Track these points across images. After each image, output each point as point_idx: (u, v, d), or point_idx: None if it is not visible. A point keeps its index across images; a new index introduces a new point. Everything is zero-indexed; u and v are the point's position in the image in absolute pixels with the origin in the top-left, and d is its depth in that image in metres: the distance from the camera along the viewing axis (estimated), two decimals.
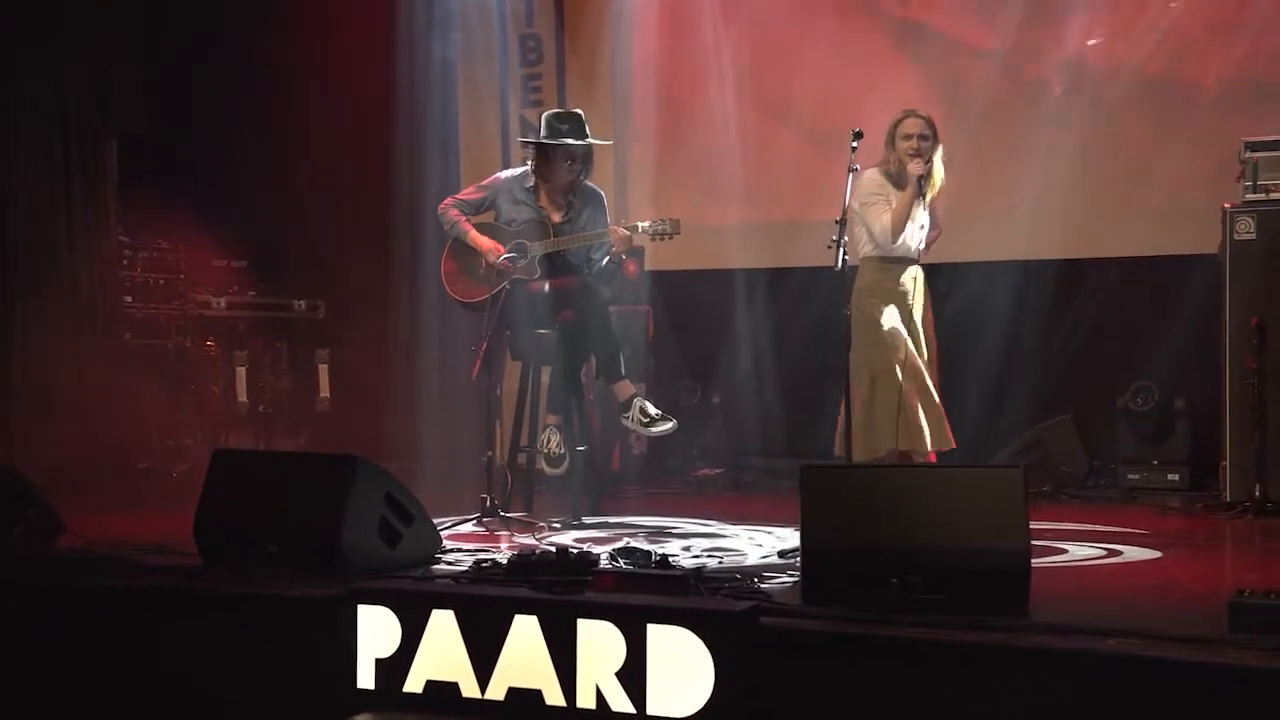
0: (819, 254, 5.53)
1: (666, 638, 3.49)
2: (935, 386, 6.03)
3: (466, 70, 8.61)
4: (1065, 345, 7.26)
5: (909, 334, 6.01)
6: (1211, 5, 7.10)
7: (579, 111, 6.12)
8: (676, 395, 7.88)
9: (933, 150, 6.00)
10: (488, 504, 5.58)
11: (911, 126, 5.98)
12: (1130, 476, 6.92)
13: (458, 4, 8.51)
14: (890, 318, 5.97)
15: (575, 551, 4.28)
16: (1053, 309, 7.29)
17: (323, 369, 8.56)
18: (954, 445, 5.99)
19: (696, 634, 3.47)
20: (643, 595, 3.69)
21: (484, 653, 3.66)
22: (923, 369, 5.98)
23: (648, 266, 7.70)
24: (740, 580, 4.10)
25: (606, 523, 5.80)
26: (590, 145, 6.03)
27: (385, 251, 8.56)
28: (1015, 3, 7.34)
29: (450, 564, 4.54)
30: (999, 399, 7.26)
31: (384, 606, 3.77)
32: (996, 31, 7.41)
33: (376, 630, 3.76)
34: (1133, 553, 4.88)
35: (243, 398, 8.10)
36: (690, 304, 7.94)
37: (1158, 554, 4.83)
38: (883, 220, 5.97)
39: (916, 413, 5.88)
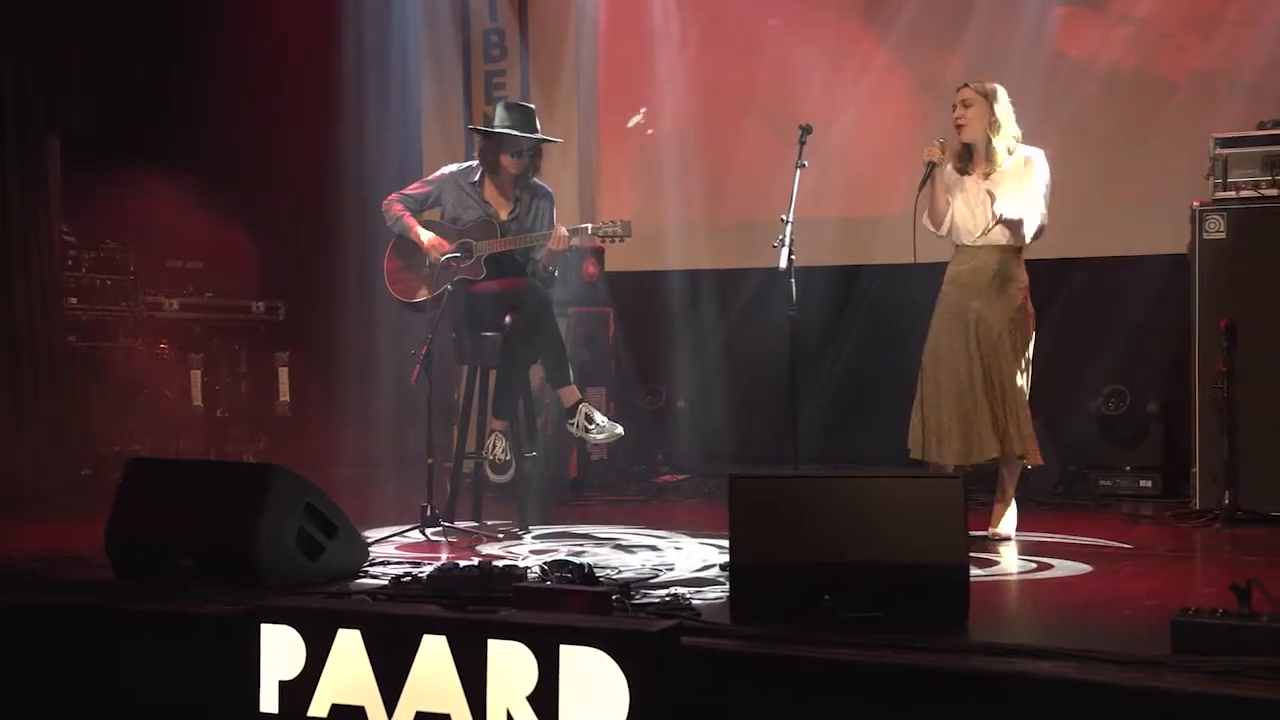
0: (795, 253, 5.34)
1: (580, 660, 3.30)
2: (986, 394, 5.17)
3: (430, 66, 8.50)
4: (1037, 347, 7.03)
5: (959, 331, 5.24)
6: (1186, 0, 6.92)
7: (532, 105, 5.94)
8: (640, 399, 7.70)
9: (981, 119, 5.19)
10: (428, 513, 5.38)
11: (956, 97, 5.29)
12: (1102, 483, 6.74)
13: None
14: (939, 311, 5.33)
15: (500, 566, 4.08)
16: None
17: (283, 372, 8.38)
18: (999, 457, 5.19)
19: (611, 656, 3.26)
20: (557, 614, 3.50)
21: (391, 675, 3.46)
22: (963, 372, 5.19)
23: (609, 268, 7.51)
24: (672, 597, 3.91)
25: (554, 532, 5.62)
26: (538, 142, 5.83)
27: (345, 252, 8.37)
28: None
29: (376, 578, 4.34)
30: None
31: (288, 625, 3.57)
32: (969, 26, 7.22)
33: (280, 651, 3.56)
34: (1065, 566, 4.69)
35: (198, 402, 7.91)
36: (654, 306, 7.76)
37: (1088, 568, 4.64)
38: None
39: (938, 420, 5.20)
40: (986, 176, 5.26)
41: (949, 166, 5.35)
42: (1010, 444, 5.18)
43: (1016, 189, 5.20)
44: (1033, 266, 7.08)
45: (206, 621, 3.74)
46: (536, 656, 3.33)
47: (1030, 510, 6.30)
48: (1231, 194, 5.87)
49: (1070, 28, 7.17)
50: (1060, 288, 7.03)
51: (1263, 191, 5.82)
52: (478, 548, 5.18)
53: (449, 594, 3.81)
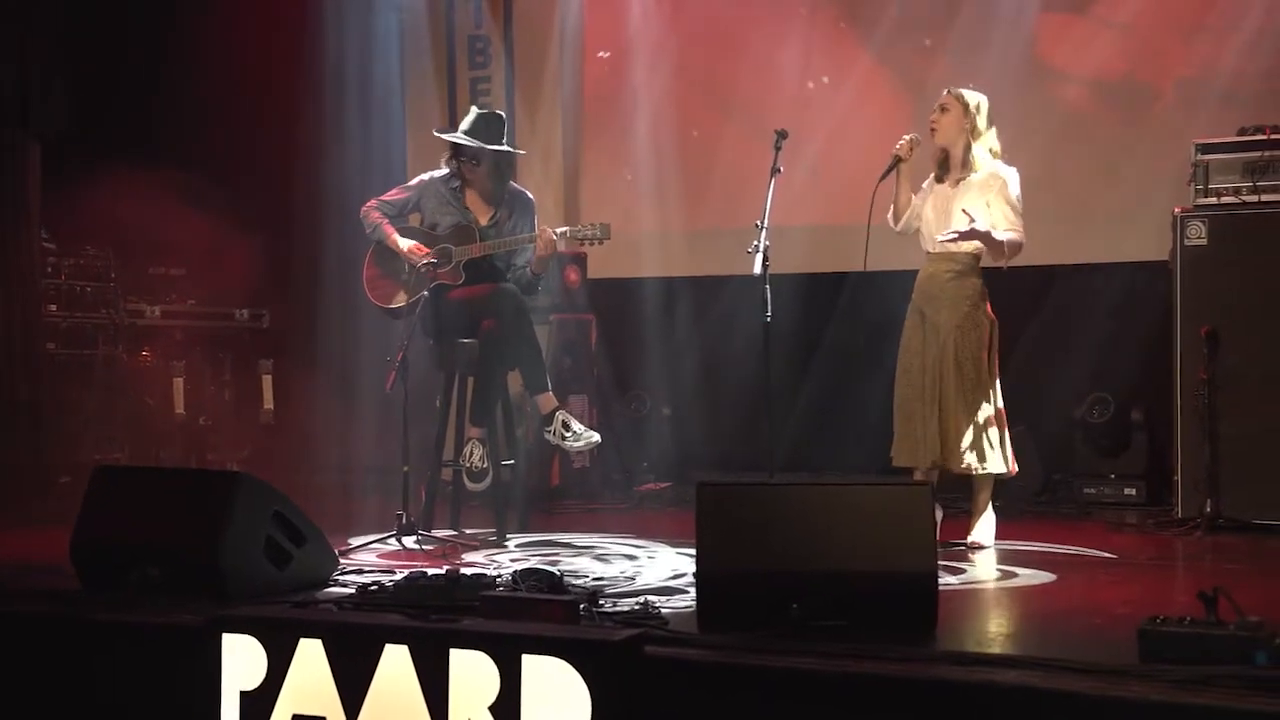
0: (775, 260, 5.36)
1: (542, 669, 3.25)
2: (932, 401, 5.18)
3: (414, 72, 8.48)
4: (1020, 354, 7.01)
5: (917, 337, 5.27)
6: (1170, 6, 6.89)
7: (501, 114, 5.91)
8: (623, 407, 7.66)
9: (955, 125, 5.20)
10: (403, 521, 5.34)
11: (938, 101, 5.30)
12: (1086, 491, 6.71)
13: (404, 5, 8.35)
14: (907, 317, 5.36)
15: (467, 575, 4.04)
16: (1008, 316, 7.04)
17: (266, 380, 8.32)
18: (965, 469, 5.18)
19: (573, 665, 3.22)
20: (520, 623, 3.46)
21: (353, 685, 3.42)
22: (915, 376, 5.22)
23: (591, 274, 7.48)
24: (641, 605, 3.87)
25: (531, 541, 5.58)
26: (494, 153, 5.79)
27: (330, 259, 8.32)
28: (973, 6, 7.14)
29: (345, 587, 4.31)
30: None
31: (249, 635, 3.52)
32: (951, 30, 7.19)
33: (241, 661, 3.51)
34: (1031, 575, 4.65)
35: (180, 410, 7.86)
36: (637, 313, 7.71)
37: (1052, 577, 4.59)
38: None
39: (910, 425, 5.23)
40: (957, 185, 5.25)
41: (932, 174, 5.35)
42: (950, 455, 5.15)
43: (980, 202, 5.18)
44: (1015, 274, 7.06)
45: (167, 631, 3.71)
46: (498, 666, 3.29)
47: (1013, 518, 6.29)
48: (1213, 200, 5.84)
49: (1053, 33, 7.15)
50: (1044, 295, 7.02)
51: (1244, 198, 5.79)
52: (452, 556, 5.13)
53: (415, 603, 3.77)
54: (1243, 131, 5.90)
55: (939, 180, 5.33)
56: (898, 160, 5.27)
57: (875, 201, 5.20)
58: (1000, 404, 5.30)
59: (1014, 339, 7.06)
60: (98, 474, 4.42)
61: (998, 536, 5.34)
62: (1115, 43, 6.99)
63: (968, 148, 5.23)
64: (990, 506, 5.32)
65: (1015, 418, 6.93)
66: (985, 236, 5.13)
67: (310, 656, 3.46)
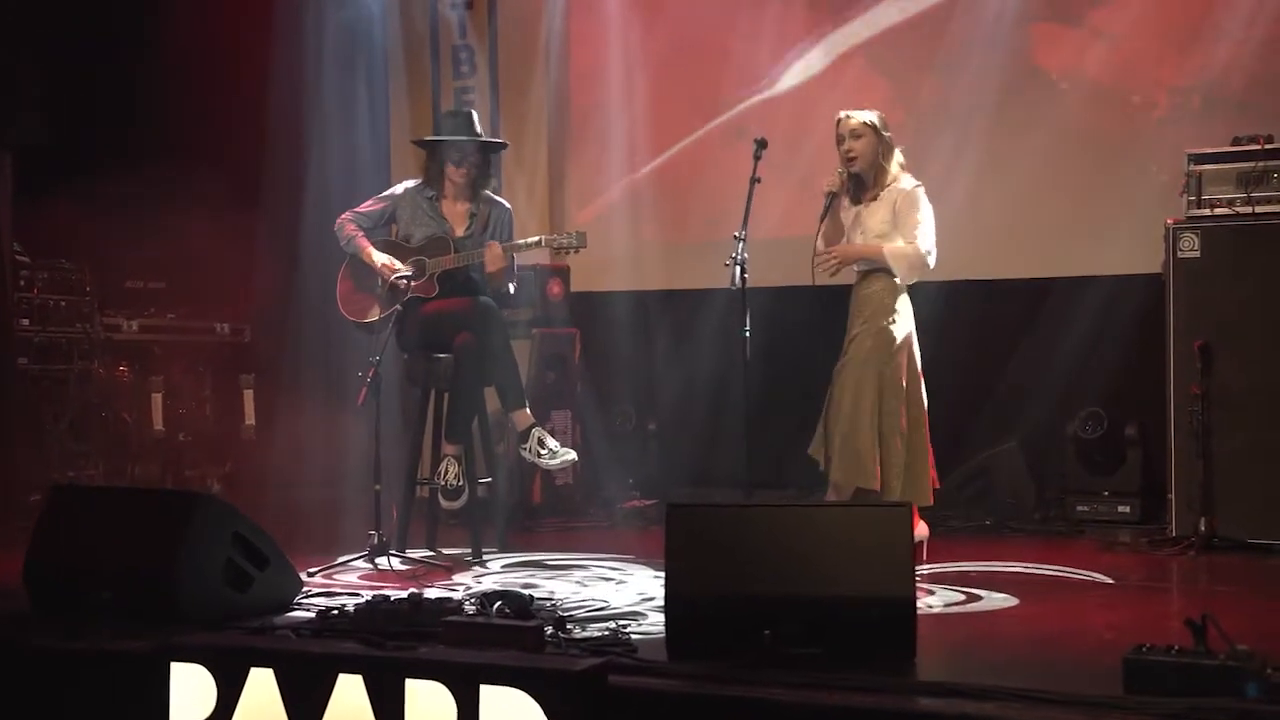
0: (760, 273, 5.32)
1: (500, 700, 3.12)
2: (837, 418, 5.20)
3: (398, 83, 8.39)
4: (1011, 368, 6.88)
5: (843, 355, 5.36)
6: (1164, 16, 6.76)
7: (469, 110, 5.80)
8: (608, 422, 7.51)
9: (872, 149, 5.25)
10: (376, 541, 5.21)
11: (841, 128, 5.33)
12: (1079, 508, 6.54)
13: (387, 13, 8.25)
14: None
15: (430, 599, 3.90)
16: (997, 330, 6.94)
17: (248, 395, 8.20)
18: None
19: (533, 696, 3.09)
20: (480, 652, 3.32)
21: (306, 716, 3.29)
22: (833, 391, 5.29)
23: (575, 287, 7.35)
24: (610, 631, 3.74)
25: (507, 561, 5.45)
26: (484, 148, 5.72)
27: (312, 273, 8.20)
28: (964, 16, 7.01)
29: (308, 610, 4.16)
30: (940, 425, 6.90)
31: (199, 664, 3.39)
32: (944, 40, 7.07)
33: (190, 691, 3.39)
34: (994, 599, 4.48)
35: (159, 426, 7.73)
36: (622, 326, 7.56)
37: (1015, 601, 4.43)
38: None
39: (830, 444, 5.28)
40: (870, 203, 5.30)
41: (845, 199, 5.41)
42: (832, 468, 5.15)
43: (889, 220, 5.24)
44: (1007, 287, 7.02)
45: (113, 659, 3.56)
46: (455, 697, 3.17)
47: (1004, 536, 6.18)
48: (1206, 212, 5.71)
49: (1047, 43, 7.03)
50: (1034, 308, 6.89)
51: (1238, 209, 5.65)
52: (424, 578, 4.99)
53: (374, 629, 3.64)
54: (1236, 141, 5.76)
55: (855, 203, 5.40)
56: (833, 196, 5.36)
57: (828, 249, 5.33)
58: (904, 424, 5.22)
59: (1004, 353, 6.96)
60: (54, 493, 4.29)
61: (989, 556, 5.21)
62: (1108, 52, 6.86)
63: (880, 168, 5.29)
64: None
65: (1006, 433, 6.90)
66: (864, 255, 5.24)
67: (261, 686, 3.35)
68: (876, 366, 5.16)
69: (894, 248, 5.20)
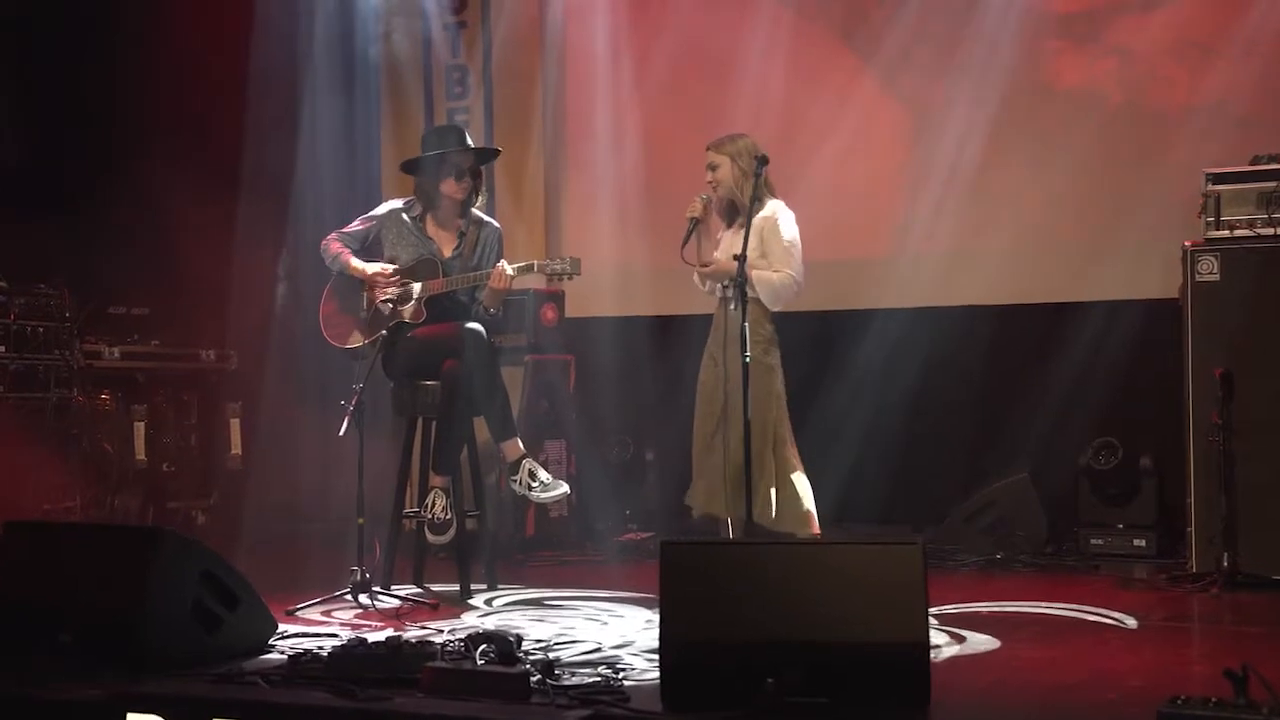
0: None
1: None
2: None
3: (390, 105, 8.21)
4: (1023, 396, 6.64)
5: (712, 381, 5.48)
6: (1181, 33, 6.57)
7: (458, 124, 5.59)
8: (605, 452, 7.27)
9: (729, 177, 5.39)
10: (358, 577, 4.97)
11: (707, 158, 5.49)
12: (1093, 542, 6.32)
13: (381, 37, 8.08)
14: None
15: (411, 642, 3.66)
16: (1007, 358, 6.72)
17: (234, 423, 7.97)
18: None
19: None
20: (461, 702, 3.08)
21: None
22: (714, 422, 5.40)
23: (569, 313, 7.12)
24: (601, 677, 3.50)
25: (497, 598, 5.22)
26: (476, 156, 5.54)
27: (301, 299, 8.00)
28: (978, 34, 6.82)
29: (283, 653, 3.92)
30: (948, 456, 6.67)
31: (156, 715, 3.15)
32: (956, 57, 6.87)
33: None
34: (1011, 641, 4.22)
35: (141, 456, 7.49)
36: (618, 353, 7.32)
37: (1035, 644, 4.19)
38: None
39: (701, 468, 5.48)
40: (740, 229, 5.26)
41: (722, 224, 5.52)
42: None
43: (757, 247, 5.29)
44: (1017, 312, 6.80)
45: (65, 710, 3.31)
46: None
47: (1015, 572, 5.94)
48: (1225, 233, 5.49)
49: (1061, 61, 6.85)
50: (1046, 334, 6.67)
51: (1258, 230, 5.43)
52: (408, 617, 4.75)
53: (349, 675, 3.41)
54: (1256, 160, 5.54)
55: (729, 226, 5.50)
56: (695, 222, 5.44)
57: (690, 262, 5.48)
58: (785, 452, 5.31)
59: (1015, 380, 6.75)
60: (7, 530, 4.04)
61: (1003, 594, 4.99)
62: (1124, 71, 6.68)
63: (742, 194, 5.36)
64: None
65: (1017, 463, 6.67)
66: (725, 271, 5.27)
67: None
68: (763, 400, 5.20)
69: (761, 274, 5.26)
